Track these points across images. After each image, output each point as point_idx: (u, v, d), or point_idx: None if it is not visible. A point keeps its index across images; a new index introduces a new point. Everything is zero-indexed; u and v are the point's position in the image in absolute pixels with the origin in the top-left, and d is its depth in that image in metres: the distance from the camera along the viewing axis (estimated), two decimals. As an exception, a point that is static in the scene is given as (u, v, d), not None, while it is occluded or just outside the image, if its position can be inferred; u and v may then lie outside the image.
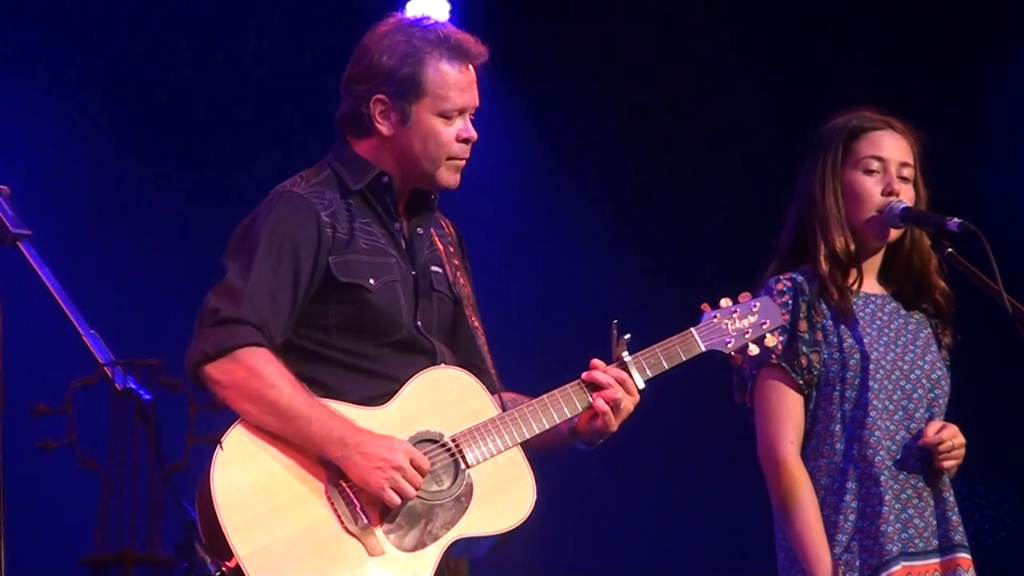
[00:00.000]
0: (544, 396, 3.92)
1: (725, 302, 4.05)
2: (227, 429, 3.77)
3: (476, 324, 4.06)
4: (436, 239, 4.09)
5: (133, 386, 3.43)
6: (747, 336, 4.03)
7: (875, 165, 4.31)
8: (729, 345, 4.02)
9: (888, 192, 4.29)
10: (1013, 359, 4.61)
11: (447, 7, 6.95)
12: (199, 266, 6.37)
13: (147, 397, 3.42)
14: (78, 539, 3.45)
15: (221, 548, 3.69)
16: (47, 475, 5.09)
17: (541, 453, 4.00)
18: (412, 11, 6.87)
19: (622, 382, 3.91)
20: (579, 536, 7.15)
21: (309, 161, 4.07)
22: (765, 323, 4.05)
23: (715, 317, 4.03)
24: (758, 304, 4.06)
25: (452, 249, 4.12)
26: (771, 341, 4.07)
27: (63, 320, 3.63)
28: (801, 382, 4.24)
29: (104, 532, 3.26)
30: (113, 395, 3.44)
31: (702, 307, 4.04)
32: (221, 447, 3.73)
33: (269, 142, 6.77)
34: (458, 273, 4.08)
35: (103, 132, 6.63)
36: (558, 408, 3.91)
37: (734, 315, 4.04)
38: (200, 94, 6.73)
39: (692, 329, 4.00)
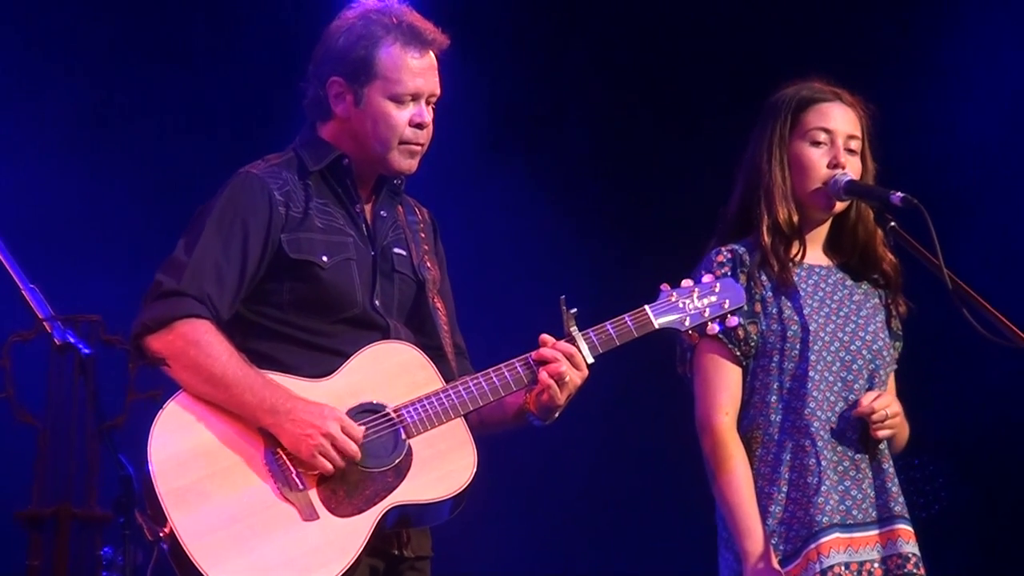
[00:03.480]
0: (489, 370, 3.96)
1: (686, 282, 4.08)
2: (167, 394, 3.81)
3: (438, 305, 4.09)
4: (403, 223, 4.11)
5: (72, 340, 3.41)
6: (705, 315, 4.05)
7: (822, 137, 4.32)
8: (685, 324, 4.04)
9: (834, 165, 4.30)
10: (951, 333, 4.64)
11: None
12: (143, 223, 6.39)
13: (86, 351, 3.40)
14: (14, 494, 3.43)
15: (157, 514, 3.72)
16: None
17: (498, 432, 4.06)
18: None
19: (569, 356, 3.94)
20: (549, 530, 7.19)
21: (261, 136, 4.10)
22: (725, 302, 4.07)
23: (672, 295, 4.04)
24: (719, 284, 4.08)
25: (423, 235, 4.16)
26: (731, 321, 4.08)
27: (2, 273, 3.60)
28: (738, 353, 4.25)
29: (41, 488, 3.24)
30: (52, 350, 3.42)
31: (661, 286, 4.06)
32: (160, 417, 3.75)
33: (220, 112, 6.76)
34: (425, 257, 4.12)
35: (49, 82, 6.58)
36: (503, 380, 3.93)
37: (692, 294, 4.05)
38: (161, 53, 6.72)
39: (646, 306, 4.03)
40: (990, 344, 4.09)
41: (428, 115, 4.02)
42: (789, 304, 4.28)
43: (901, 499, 4.27)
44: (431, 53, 4.03)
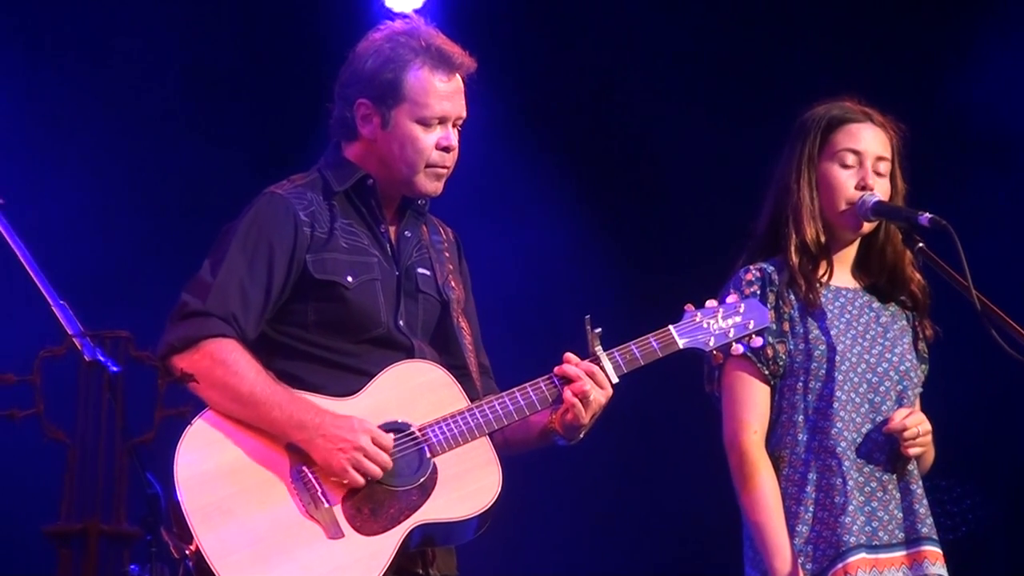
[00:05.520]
0: (514, 389, 3.97)
1: (710, 303, 4.08)
2: (196, 411, 3.84)
3: (463, 325, 4.10)
4: (427, 243, 4.13)
5: (101, 358, 3.42)
6: (730, 336, 4.06)
7: (851, 158, 4.32)
8: (710, 344, 4.04)
9: (862, 186, 4.30)
10: (979, 354, 4.63)
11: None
12: (172, 239, 6.41)
13: (115, 369, 3.41)
14: (42, 510, 3.44)
15: (183, 532, 3.75)
16: (12, 445, 5.07)
17: (523, 451, 4.07)
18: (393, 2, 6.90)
19: (592, 375, 3.94)
20: (566, 535, 7.18)
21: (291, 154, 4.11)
22: (750, 323, 4.08)
23: (696, 316, 4.05)
24: (743, 305, 4.09)
25: (448, 254, 4.18)
26: (756, 341, 4.08)
27: (33, 289, 3.62)
28: (767, 372, 4.25)
29: (69, 504, 3.25)
30: (81, 366, 3.43)
31: (685, 307, 4.06)
32: (186, 435, 3.78)
33: (249, 131, 6.78)
34: (450, 276, 4.13)
35: (77, 103, 6.61)
36: (527, 400, 3.94)
37: (717, 314, 4.06)
38: (187, 72, 6.75)
39: (671, 326, 4.04)
40: (1017, 364, 4.07)
41: (454, 138, 4.04)
42: (816, 324, 4.28)
43: (929, 521, 4.26)
44: (458, 76, 4.04)
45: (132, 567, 3.36)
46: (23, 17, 6.56)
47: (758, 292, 4.25)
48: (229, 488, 3.79)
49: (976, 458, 6.82)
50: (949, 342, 4.46)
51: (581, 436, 4.01)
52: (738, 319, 4.08)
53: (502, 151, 6.81)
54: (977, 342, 4.19)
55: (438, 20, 4.18)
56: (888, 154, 4.35)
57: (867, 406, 4.26)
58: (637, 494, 7.24)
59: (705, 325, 4.06)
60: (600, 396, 3.95)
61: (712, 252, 4.50)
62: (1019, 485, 7.02)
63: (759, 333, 4.10)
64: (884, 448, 4.24)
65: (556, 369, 3.96)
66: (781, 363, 4.26)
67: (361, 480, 3.81)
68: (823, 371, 4.24)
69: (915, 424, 4.22)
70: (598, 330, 3.97)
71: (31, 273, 3.62)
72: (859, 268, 4.40)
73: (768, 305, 4.22)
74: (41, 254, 3.68)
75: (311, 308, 3.97)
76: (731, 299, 4.11)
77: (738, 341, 4.07)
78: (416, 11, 6.58)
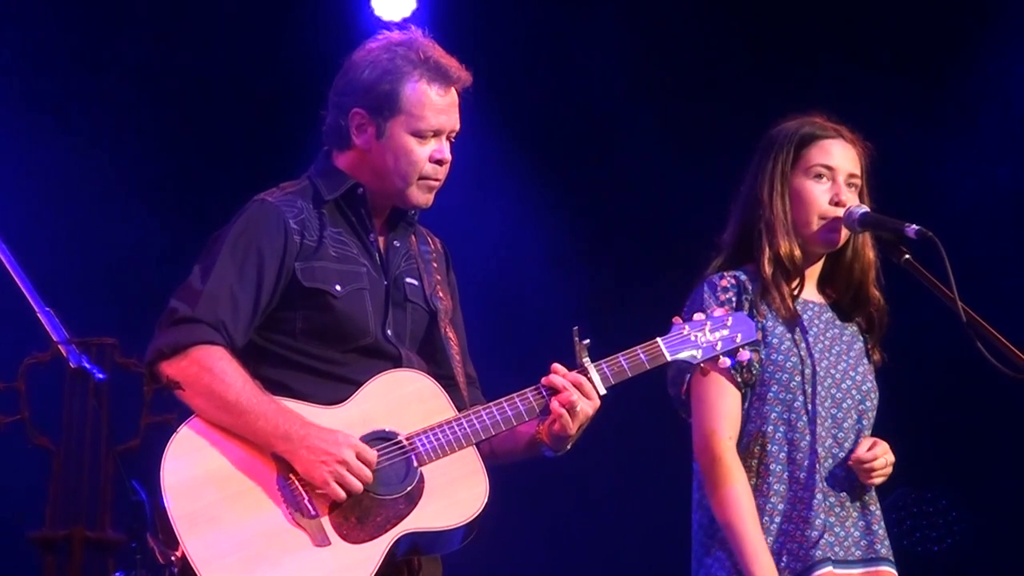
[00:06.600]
0: (502, 399, 3.96)
1: (698, 315, 4.08)
2: (181, 418, 3.83)
3: (450, 335, 4.10)
4: (416, 253, 4.13)
5: (87, 365, 3.43)
6: (717, 349, 4.05)
7: (824, 173, 4.33)
8: (697, 357, 4.04)
9: (835, 202, 4.30)
10: (964, 367, 4.64)
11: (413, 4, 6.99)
12: (159, 247, 6.41)
13: (100, 376, 3.42)
14: (28, 516, 3.44)
15: (169, 538, 3.74)
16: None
17: (509, 461, 4.06)
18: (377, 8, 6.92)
19: (579, 386, 3.93)
20: (547, 536, 7.18)
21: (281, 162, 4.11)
22: (737, 336, 4.07)
23: (684, 328, 4.05)
24: (731, 318, 4.08)
25: (436, 265, 4.17)
26: (743, 355, 4.08)
27: (18, 296, 3.62)
28: (740, 380, 4.25)
29: (54, 510, 3.26)
30: (67, 373, 3.44)
31: (673, 320, 4.06)
32: (173, 441, 3.77)
33: (239, 138, 6.78)
34: (437, 287, 4.13)
35: (67, 108, 6.62)
36: (515, 410, 3.93)
37: (704, 327, 4.06)
38: (178, 79, 6.75)
39: (659, 339, 4.03)
40: (1001, 375, 4.08)
41: (448, 151, 4.04)
42: (789, 336, 4.28)
43: (887, 543, 4.27)
44: (454, 90, 4.04)
45: (117, 573, 3.37)
46: (18, 20, 6.56)
47: (733, 299, 4.25)
48: (216, 494, 3.78)
49: (961, 470, 6.83)
50: (936, 354, 4.47)
51: (568, 447, 4.01)
52: (726, 332, 4.08)
53: (486, 156, 6.81)
54: (963, 353, 4.20)
55: (429, 28, 4.17)
56: (858, 171, 4.36)
57: (829, 421, 4.26)
58: (626, 504, 7.24)
59: (693, 338, 4.06)
60: (587, 407, 3.94)
61: (688, 259, 4.50)
62: (997, 496, 7.02)
63: (745, 347, 4.09)
64: (843, 464, 4.25)
65: (543, 380, 3.96)
66: (755, 371, 4.26)
67: (342, 494, 3.81)
68: (794, 383, 4.25)
69: (882, 454, 4.24)
70: (586, 341, 3.96)
71: (16, 279, 3.62)
72: (822, 284, 4.41)
73: (743, 312, 4.22)
74: (27, 261, 3.68)
75: (299, 316, 3.97)
76: (718, 312, 4.10)
77: (725, 355, 4.07)
78: (405, 20, 6.61)
